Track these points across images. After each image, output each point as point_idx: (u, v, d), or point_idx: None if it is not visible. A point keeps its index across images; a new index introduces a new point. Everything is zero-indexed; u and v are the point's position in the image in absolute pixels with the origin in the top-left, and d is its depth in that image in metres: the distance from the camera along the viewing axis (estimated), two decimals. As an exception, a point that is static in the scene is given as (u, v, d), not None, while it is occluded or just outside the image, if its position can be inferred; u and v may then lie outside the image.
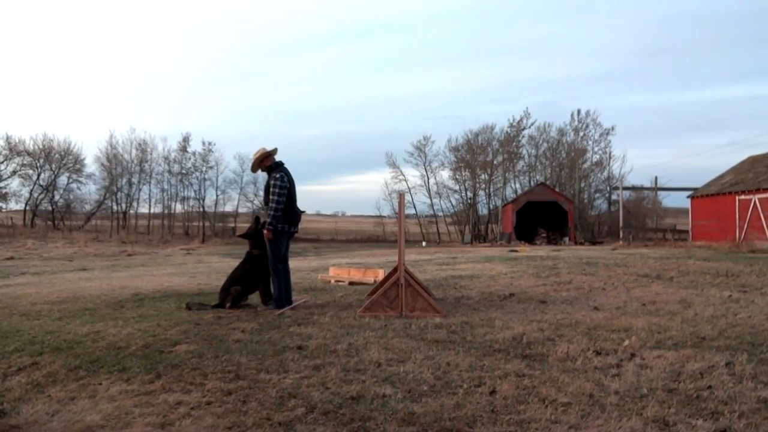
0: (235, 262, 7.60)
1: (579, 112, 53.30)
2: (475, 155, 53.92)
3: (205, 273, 13.07)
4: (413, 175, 65.42)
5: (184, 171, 55.05)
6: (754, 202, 24.61)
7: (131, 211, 54.66)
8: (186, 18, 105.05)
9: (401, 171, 57.25)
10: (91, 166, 52.38)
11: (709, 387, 3.54)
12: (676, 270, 10.65)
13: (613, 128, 52.86)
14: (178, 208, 56.59)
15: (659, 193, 45.78)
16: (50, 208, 50.85)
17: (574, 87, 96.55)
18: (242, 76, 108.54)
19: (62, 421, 3.17)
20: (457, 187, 55.81)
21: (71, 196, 51.89)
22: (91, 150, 66.71)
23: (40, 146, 49.95)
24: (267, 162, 7.01)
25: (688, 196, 31.69)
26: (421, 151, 56.02)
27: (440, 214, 57.84)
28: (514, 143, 53.67)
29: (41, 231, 42.90)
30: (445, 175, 56.88)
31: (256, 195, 56.86)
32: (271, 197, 6.72)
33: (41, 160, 50.27)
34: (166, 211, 55.97)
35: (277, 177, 6.77)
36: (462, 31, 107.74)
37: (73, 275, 13.63)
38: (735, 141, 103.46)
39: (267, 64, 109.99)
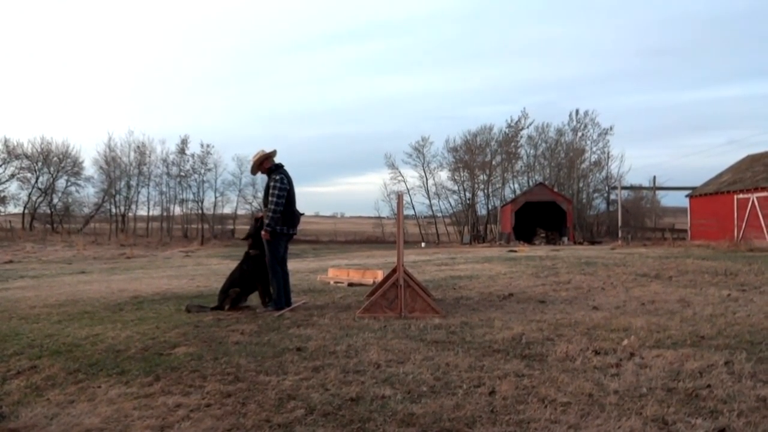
0: (234, 264, 7.59)
1: (577, 112, 53.35)
2: (474, 156, 53.92)
3: (204, 275, 13.06)
4: (412, 176, 65.38)
5: (182, 173, 55.00)
6: (753, 201, 24.64)
7: (130, 214, 54.62)
8: (185, 19, 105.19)
9: (400, 172, 57.27)
10: (89, 168, 52.35)
11: (708, 386, 3.54)
12: (674, 269, 10.66)
13: (611, 128, 52.87)
14: (177, 210, 56.56)
15: (658, 192, 45.77)
16: (49, 211, 50.78)
17: (572, 87, 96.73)
18: (241, 77, 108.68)
19: (61, 424, 3.16)
20: (455, 188, 55.82)
21: (70, 199, 51.82)
22: (89, 153, 66.47)
23: (38, 149, 49.92)
24: (266, 164, 7.02)
25: (686, 196, 31.72)
26: (419, 152, 56.04)
27: (439, 214, 57.85)
28: (513, 143, 53.67)
29: (40, 234, 42.85)
30: (443, 175, 57.10)
31: (255, 197, 56.82)
32: (270, 198, 6.73)
33: (39, 163, 50.21)
34: (164, 214, 55.92)
35: (277, 179, 6.78)
36: (460, 32, 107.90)
37: (71, 278, 13.61)
38: (733, 140, 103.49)
39: (266, 65, 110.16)
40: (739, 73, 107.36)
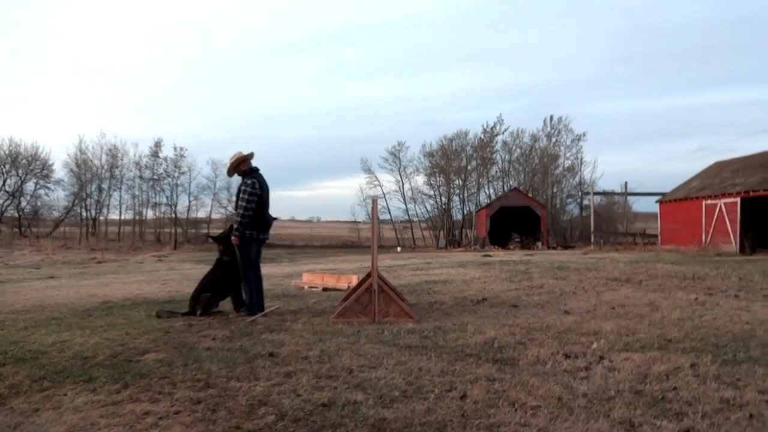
0: (207, 269, 7.51)
1: (551, 118, 54.15)
2: (450, 161, 54.29)
3: (177, 280, 12.88)
4: (388, 181, 65.43)
5: (155, 177, 54.32)
6: (720, 206, 25.23)
7: (101, 218, 53.74)
8: (159, 20, 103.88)
9: (376, 176, 57.40)
10: (59, 171, 51.35)
11: (675, 388, 3.62)
12: (645, 273, 10.86)
13: (584, 134, 53.78)
14: (150, 214, 55.82)
15: (629, 197, 46.74)
16: (17, 214, 49.60)
17: (546, 94, 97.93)
18: (216, 80, 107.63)
19: (25, 433, 3.09)
20: (431, 193, 56.13)
21: (39, 203, 50.72)
22: (59, 155, 65.34)
23: (6, 151, 48.81)
24: (243, 166, 6.97)
25: (657, 201, 32.35)
26: (395, 157, 56.25)
27: (415, 219, 58.07)
28: (488, 149, 54.20)
29: (7, 238, 41.83)
30: (419, 180, 57.18)
31: (229, 201, 56.29)
32: (239, 203, 6.69)
33: (7, 166, 49.06)
34: (137, 218, 55.17)
35: (248, 183, 6.73)
36: (437, 39, 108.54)
37: (39, 283, 13.30)
38: (703, 147, 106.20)
39: (241, 68, 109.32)
40: (708, 82, 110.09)
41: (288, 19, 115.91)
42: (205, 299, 6.80)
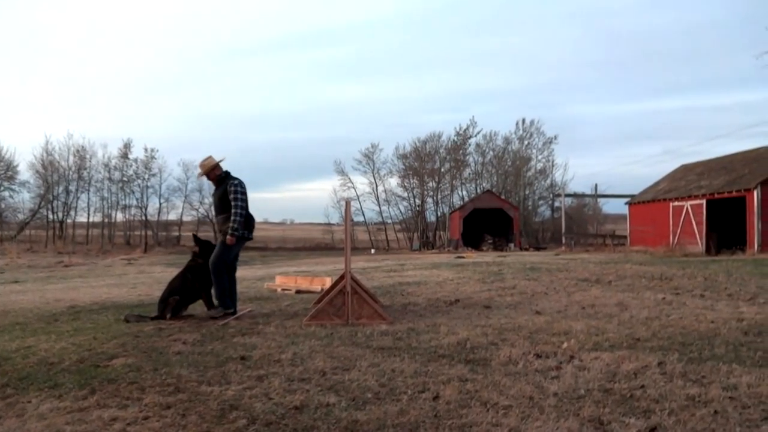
0: (178, 272, 7.39)
1: (524, 121, 54.78)
2: (423, 163, 54.51)
3: (147, 284, 12.67)
4: (362, 183, 65.37)
5: (125, 178, 53.41)
6: (687, 208, 25.83)
7: (68, 220, 52.56)
8: (128, 20, 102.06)
9: (350, 178, 57.29)
10: (24, 173, 49.99)
11: (642, 386, 3.68)
12: (614, 274, 11.04)
13: (555, 137, 54.53)
14: (119, 216, 54.84)
15: (599, 199, 47.54)
16: (-21, 217, 48.22)
17: (518, 97, 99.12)
18: (186, 81, 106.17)
19: (-14, 442, 3.00)
20: (405, 195, 56.26)
21: (3, 205, 49.24)
22: (25, 156, 63.64)
23: (-32, 152, 47.37)
24: (217, 171, 6.98)
25: (626, 203, 32.99)
26: (369, 159, 56.24)
27: (389, 221, 58.16)
28: (461, 151, 54.58)
29: (-31, 242, 40.61)
30: (393, 182, 57.28)
31: (201, 203, 55.69)
32: (234, 203, 6.74)
33: (-31, 167, 47.67)
34: (106, 220, 54.09)
35: (236, 183, 6.81)
36: (409, 40, 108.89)
37: (3, 288, 12.95)
38: (669, 150, 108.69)
39: (212, 69, 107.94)
40: (674, 87, 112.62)
41: (259, 20, 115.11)
42: (173, 302, 6.70)
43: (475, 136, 54.67)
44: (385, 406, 3.37)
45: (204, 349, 5.00)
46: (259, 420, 3.19)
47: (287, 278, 10.95)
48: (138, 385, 3.92)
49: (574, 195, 50.99)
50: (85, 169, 51.92)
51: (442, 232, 52.65)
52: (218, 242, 6.87)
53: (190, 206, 55.52)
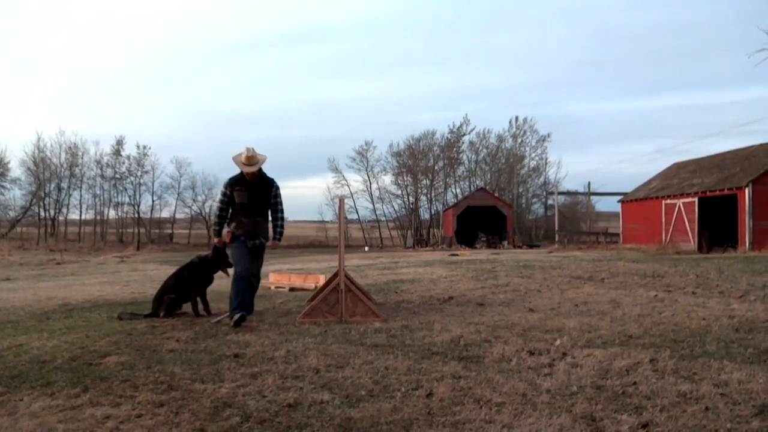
0: (172, 270, 7.36)
1: (517, 119, 54.96)
2: (417, 160, 54.56)
3: (140, 281, 12.63)
4: (356, 180, 65.37)
5: (117, 176, 53.25)
6: (679, 206, 25.97)
7: (60, 218, 52.34)
8: (119, 17, 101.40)
9: (344, 176, 57.33)
10: (16, 170, 49.79)
11: (634, 383, 3.71)
12: (607, 272, 11.09)
13: (549, 135, 54.72)
14: (112, 214, 54.67)
15: (592, 197, 47.76)
16: (-30, 214, 47.91)
17: (512, 95, 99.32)
18: (179, 78, 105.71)
19: (-22, 440, 2.99)
20: (399, 192, 56.36)
21: (-6, 202, 49.05)
22: (16, 153, 63.23)
23: (-41, 149, 47.02)
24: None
25: (618, 201, 33.11)
26: (363, 156, 56.25)
27: (383, 218, 58.20)
28: (455, 149, 54.67)
29: (-40, 239, 40.34)
30: (387, 180, 57.34)
31: (194, 200, 55.58)
32: (279, 207, 6.67)
33: (-40, 164, 47.34)
34: (98, 218, 53.93)
35: (278, 187, 6.72)
36: (403, 38, 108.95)
37: (-5, 286, 12.87)
38: (661, 148, 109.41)
39: (205, 66, 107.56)
40: (665, 85, 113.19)
41: (252, 18, 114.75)
42: (168, 300, 6.67)
43: (469, 133, 54.85)
44: (378, 404, 3.38)
45: (197, 347, 4.99)
46: (252, 417, 3.19)
47: (281, 276, 10.95)
48: (131, 383, 3.91)
49: (567, 193, 51.28)
50: (77, 166, 51.77)
51: (435, 230, 52.72)
52: (261, 246, 6.54)
53: (183, 203, 55.35)
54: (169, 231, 56.01)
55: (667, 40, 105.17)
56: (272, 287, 10.03)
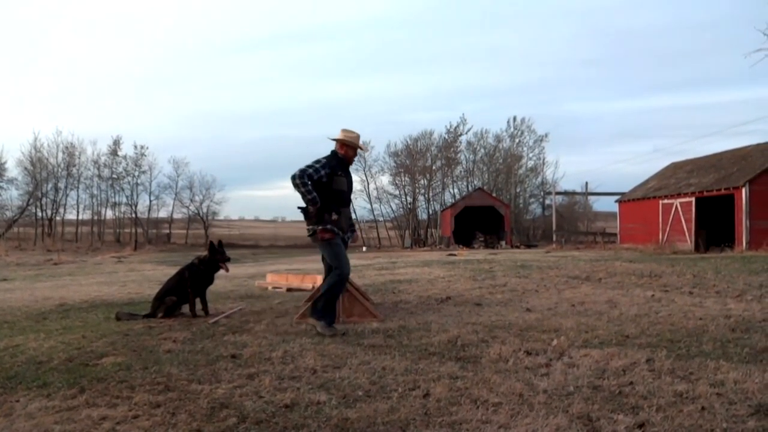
0: (169, 270, 7.34)
1: (515, 119, 54.97)
2: (415, 160, 54.56)
3: (137, 282, 12.59)
4: (353, 180, 65.35)
5: (115, 175, 53.15)
6: (676, 206, 26.01)
7: (57, 218, 52.22)
8: (118, 16, 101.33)
9: (342, 176, 57.13)
10: (13, 170, 49.66)
11: (631, 383, 3.71)
12: (604, 271, 11.10)
13: (546, 135, 54.76)
14: (109, 214, 54.61)
15: (590, 197, 47.80)
16: (-33, 215, 47.78)
17: (509, 95, 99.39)
18: (177, 78, 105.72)
19: (-27, 442, 2.98)
20: (397, 192, 56.32)
21: (-10, 202, 48.92)
22: (13, 153, 63.17)
23: (-44, 149, 46.89)
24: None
25: (616, 201, 33.16)
26: (360, 156, 56.16)
27: (380, 218, 58.18)
28: (452, 149, 54.68)
29: (-43, 239, 40.22)
30: (384, 180, 57.31)
31: (192, 200, 55.50)
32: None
33: (-43, 164, 47.20)
34: (95, 218, 53.83)
35: None
36: (401, 38, 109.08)
37: (-9, 286, 12.84)
38: (659, 148, 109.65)
39: (202, 65, 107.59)
40: (663, 85, 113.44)
41: (250, 18, 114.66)
42: (169, 302, 6.62)
43: (466, 133, 54.86)
44: (375, 404, 3.38)
45: (194, 348, 4.99)
46: (249, 418, 3.19)
47: (278, 276, 10.94)
48: (128, 383, 3.90)
49: (565, 193, 51.27)
50: (74, 166, 51.65)
51: (433, 230, 52.74)
52: (347, 240, 5.95)
53: (180, 203, 55.27)
54: (167, 231, 55.92)
55: (665, 41, 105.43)
56: (269, 287, 10.02)
